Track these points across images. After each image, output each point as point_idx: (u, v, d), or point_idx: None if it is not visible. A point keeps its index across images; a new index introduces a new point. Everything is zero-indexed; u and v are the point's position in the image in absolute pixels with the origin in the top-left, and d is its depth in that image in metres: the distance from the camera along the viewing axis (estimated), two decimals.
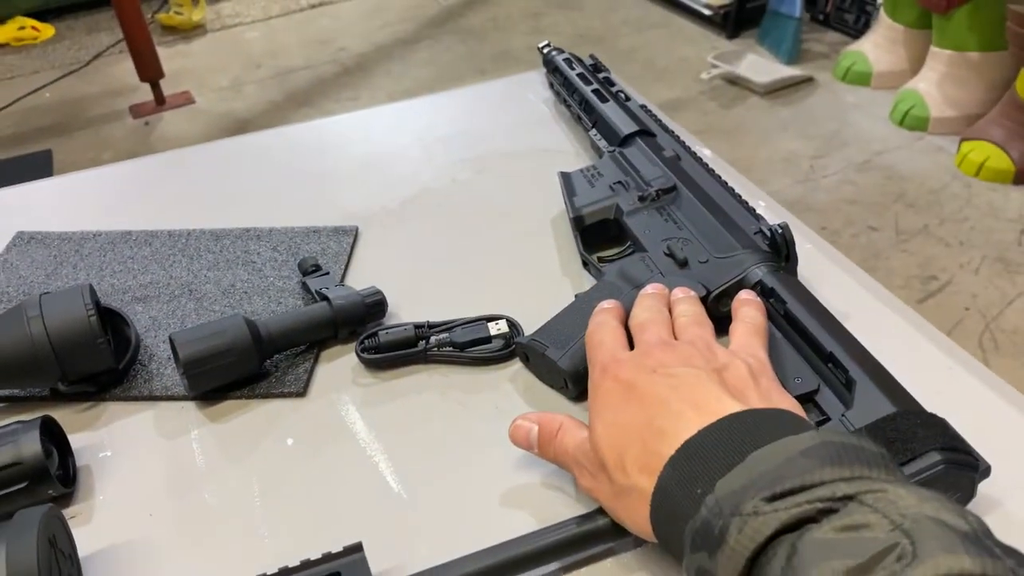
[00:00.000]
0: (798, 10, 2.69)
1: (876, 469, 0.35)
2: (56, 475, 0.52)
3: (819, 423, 0.48)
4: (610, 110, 0.78)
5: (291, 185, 0.83)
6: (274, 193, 0.82)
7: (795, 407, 0.45)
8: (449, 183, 0.81)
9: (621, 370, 0.47)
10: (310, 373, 0.61)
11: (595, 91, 0.82)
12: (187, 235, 0.75)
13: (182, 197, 0.82)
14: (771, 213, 0.70)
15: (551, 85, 0.91)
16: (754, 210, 0.63)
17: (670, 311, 0.54)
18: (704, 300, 0.56)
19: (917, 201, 2.10)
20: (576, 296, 0.61)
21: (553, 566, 0.47)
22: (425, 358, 0.61)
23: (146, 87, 2.82)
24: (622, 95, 0.82)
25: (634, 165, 0.70)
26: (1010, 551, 0.31)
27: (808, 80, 2.65)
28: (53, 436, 0.54)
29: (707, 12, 2.98)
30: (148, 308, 0.67)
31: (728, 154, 2.04)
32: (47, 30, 3.44)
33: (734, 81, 2.65)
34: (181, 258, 0.73)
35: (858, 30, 2.80)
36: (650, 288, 0.56)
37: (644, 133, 0.74)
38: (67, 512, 0.52)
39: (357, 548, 0.44)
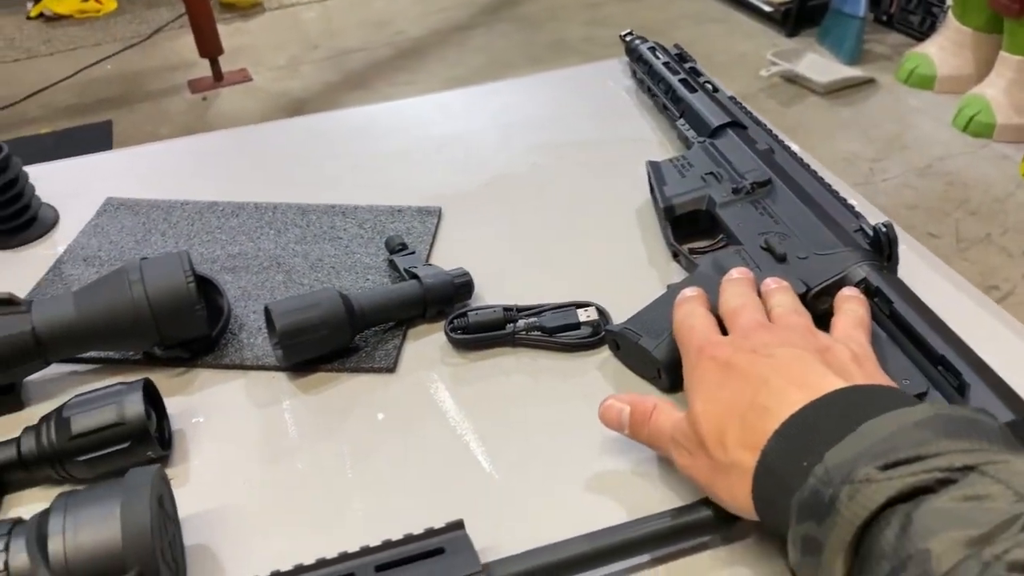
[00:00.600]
0: (862, 9, 2.64)
1: (994, 443, 0.35)
2: (154, 437, 0.52)
3: None
4: (699, 100, 0.77)
5: (370, 165, 0.83)
6: (353, 172, 0.82)
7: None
8: (529, 168, 0.81)
9: (719, 350, 0.47)
10: (399, 350, 0.61)
11: (682, 81, 0.81)
12: (273, 208, 0.76)
13: (261, 172, 0.83)
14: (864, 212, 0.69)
15: (634, 73, 0.90)
16: (853, 207, 0.62)
17: (760, 298, 0.53)
18: (803, 297, 0.55)
19: (980, 209, 2.05)
20: (668, 287, 0.61)
21: (645, 557, 0.46)
22: (513, 341, 0.61)
23: (204, 63, 2.85)
24: (709, 86, 0.81)
25: (726, 157, 0.69)
26: None
27: (869, 81, 2.60)
28: (151, 399, 0.54)
29: (767, 8, 2.94)
30: (237, 278, 0.68)
31: None
32: (109, 3, 3.50)
33: (793, 80, 2.61)
34: (268, 231, 0.73)
35: (923, 32, 2.74)
36: (735, 273, 0.55)
37: (735, 125, 0.73)
38: None
39: (459, 525, 0.44)
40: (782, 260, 0.59)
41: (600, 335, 0.60)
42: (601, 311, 0.61)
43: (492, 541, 0.47)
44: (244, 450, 0.55)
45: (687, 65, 0.84)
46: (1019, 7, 2.15)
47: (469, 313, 0.61)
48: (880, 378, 0.45)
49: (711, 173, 0.68)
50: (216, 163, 0.85)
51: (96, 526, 0.42)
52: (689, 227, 0.67)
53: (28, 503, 0.53)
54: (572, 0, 3.31)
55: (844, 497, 0.34)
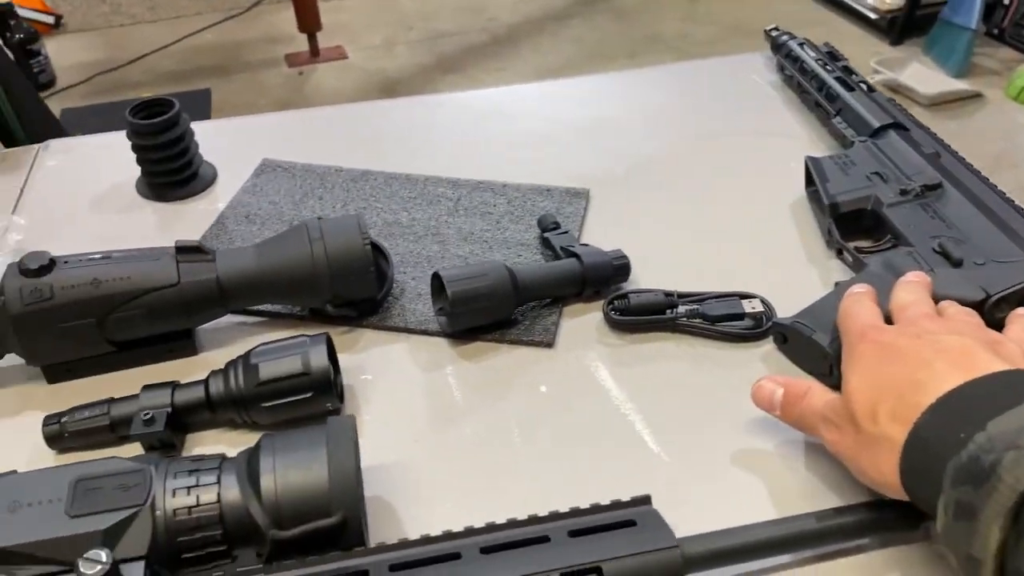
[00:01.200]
0: (975, 21, 2.55)
1: None
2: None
3: None
4: (857, 99, 0.76)
5: (512, 144, 0.84)
6: (495, 151, 0.83)
7: None
8: (675, 155, 0.81)
9: (882, 335, 0.47)
10: (557, 326, 0.62)
11: (838, 79, 0.80)
12: (424, 180, 0.77)
13: (403, 145, 0.84)
14: None
15: (781, 69, 0.89)
16: None
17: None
18: (980, 304, 0.54)
19: None
20: (836, 284, 0.60)
21: (828, 548, 0.46)
22: (673, 326, 0.61)
23: (301, 38, 2.90)
24: (864, 85, 0.79)
25: (891, 158, 0.68)
26: None
27: (976, 96, 2.52)
28: (329, 354, 0.56)
29: (872, 16, 2.87)
30: (395, 245, 0.69)
31: None
32: None
33: (896, 89, 2.54)
34: (420, 202, 0.75)
35: None
36: (911, 276, 0.54)
37: (897, 126, 0.72)
38: None
39: (646, 500, 0.45)
40: (958, 264, 0.58)
41: (765, 327, 0.60)
42: (766, 303, 0.61)
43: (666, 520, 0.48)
44: (412, 410, 0.57)
45: (840, 63, 0.83)
46: None
47: (630, 295, 0.62)
48: None
49: (876, 173, 0.67)
50: (358, 133, 0.87)
51: (304, 468, 0.43)
52: (851, 225, 0.66)
53: (207, 444, 0.55)
54: None
55: (1008, 463, 0.33)
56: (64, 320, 0.55)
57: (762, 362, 0.59)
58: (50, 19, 3.16)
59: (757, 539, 0.44)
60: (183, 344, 0.60)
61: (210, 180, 0.79)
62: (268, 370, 0.52)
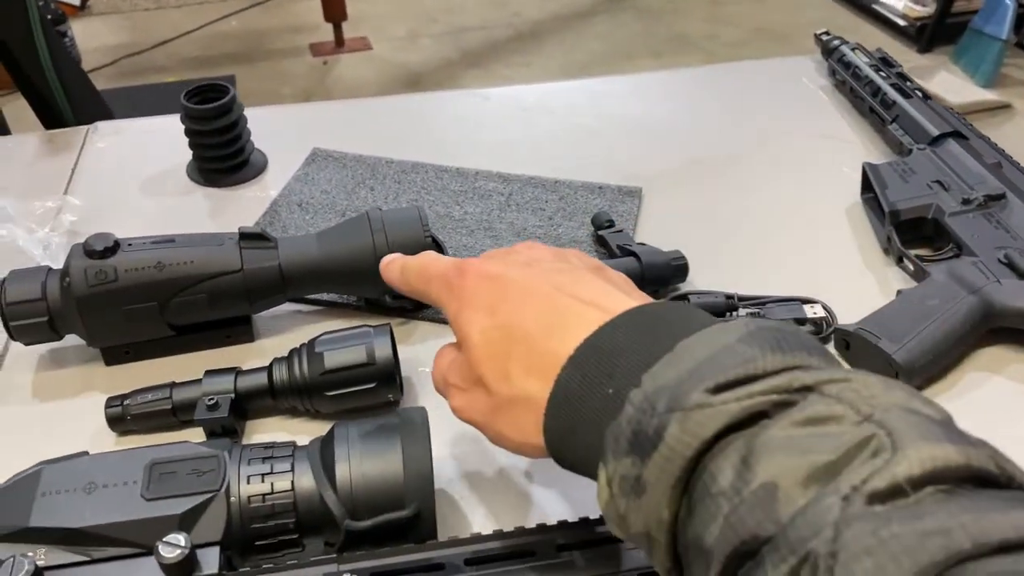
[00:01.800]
0: (1006, 32, 2.54)
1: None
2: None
3: None
4: (915, 107, 0.76)
5: (559, 140, 0.84)
6: (542, 146, 0.82)
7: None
8: (727, 156, 0.80)
9: (486, 264, 0.41)
10: None
11: (893, 85, 0.79)
12: (475, 175, 0.77)
13: (449, 137, 0.84)
14: None
15: (832, 73, 0.89)
16: None
17: None
18: None
19: None
20: (899, 292, 0.60)
21: None
22: None
23: (326, 27, 2.90)
24: (919, 93, 0.79)
25: (951, 167, 0.68)
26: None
27: (1006, 107, 2.50)
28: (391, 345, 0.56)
29: (901, 23, 2.85)
30: (448, 238, 0.69)
31: None
32: None
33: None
34: (472, 196, 0.74)
35: None
36: None
37: (957, 135, 0.72)
38: None
39: None
40: None
41: (826, 333, 0.59)
42: (827, 309, 0.61)
43: None
44: None
45: (894, 70, 0.83)
46: None
47: (691, 296, 0.61)
48: None
49: (937, 181, 0.67)
50: (406, 125, 0.86)
51: (379, 459, 0.43)
52: (910, 233, 0.66)
53: (268, 431, 0.55)
54: None
55: (674, 427, 0.29)
56: (127, 303, 0.55)
57: None
58: (76, 1, 3.17)
59: None
60: (241, 330, 0.60)
61: (261, 167, 0.79)
62: (333, 359, 0.52)
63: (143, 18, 3.23)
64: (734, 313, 0.60)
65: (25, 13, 1.14)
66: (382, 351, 0.53)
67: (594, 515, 0.43)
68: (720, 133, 0.84)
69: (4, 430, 0.55)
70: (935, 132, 0.72)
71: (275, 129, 0.83)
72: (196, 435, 0.52)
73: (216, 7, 3.24)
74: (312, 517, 0.43)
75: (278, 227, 0.71)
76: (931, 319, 0.55)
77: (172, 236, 0.58)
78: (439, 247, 0.65)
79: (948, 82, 2.75)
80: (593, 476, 0.33)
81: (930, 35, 2.77)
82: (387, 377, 0.53)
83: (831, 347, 0.59)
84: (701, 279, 0.65)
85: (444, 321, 0.62)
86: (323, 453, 0.44)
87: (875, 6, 2.96)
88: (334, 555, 0.42)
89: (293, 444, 0.45)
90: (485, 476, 0.52)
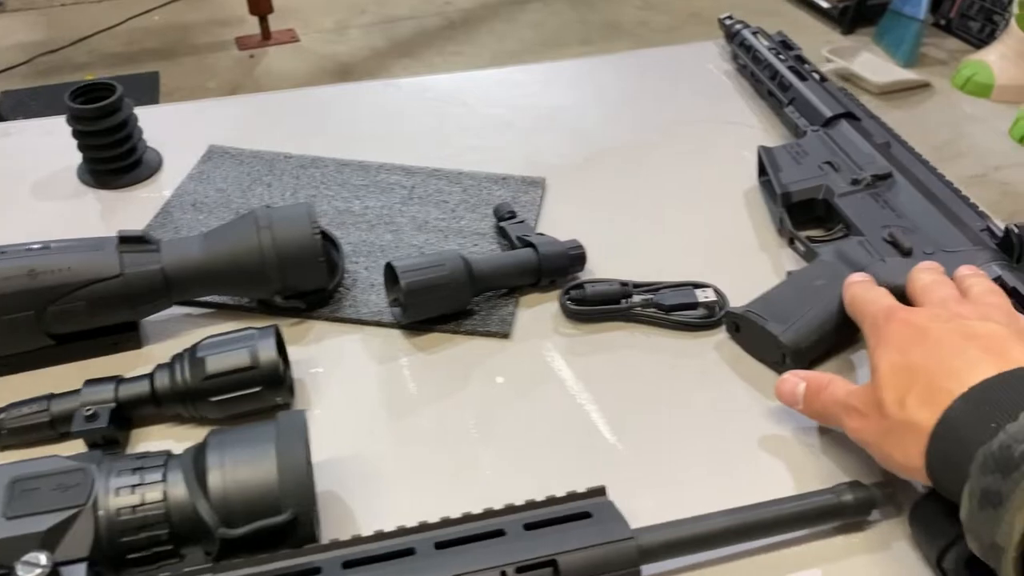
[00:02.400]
0: (923, 12, 2.60)
1: None
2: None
3: None
4: (810, 89, 0.77)
5: (468, 131, 0.83)
6: (451, 137, 0.82)
7: None
8: (633, 145, 0.81)
9: (913, 316, 0.47)
10: (513, 316, 0.62)
11: (791, 68, 0.80)
12: (377, 168, 0.76)
13: (356, 130, 0.83)
14: None
15: (735, 58, 0.90)
16: (977, 206, 0.62)
17: None
18: None
19: None
20: (789, 273, 0.61)
21: (784, 536, 0.46)
22: (628, 316, 0.61)
23: (252, 20, 2.84)
24: (816, 75, 0.80)
25: (843, 148, 0.69)
26: None
27: (925, 85, 2.57)
28: (278, 347, 0.55)
29: (824, 5, 2.91)
30: (346, 234, 0.68)
31: None
32: None
33: (848, 78, 2.58)
34: (373, 190, 0.73)
35: (981, 39, 2.71)
36: (925, 263, 0.54)
37: (849, 116, 0.73)
38: None
39: (601, 491, 0.45)
40: (907, 254, 0.59)
41: (718, 316, 0.60)
42: (719, 292, 0.61)
43: (622, 511, 0.48)
44: (366, 403, 0.56)
45: (792, 53, 0.84)
46: None
47: (586, 285, 0.61)
48: None
49: (828, 162, 0.68)
50: (310, 119, 0.85)
51: (253, 465, 0.42)
52: (803, 215, 0.67)
53: (153, 439, 0.53)
54: None
55: None
56: (0, 312, 0.53)
57: (716, 351, 0.59)
58: None
59: (711, 529, 0.44)
60: (128, 337, 0.59)
61: (155, 167, 0.76)
62: (215, 364, 0.51)
63: (60, 14, 3.12)
64: (629, 300, 0.61)
65: None
66: (266, 354, 0.52)
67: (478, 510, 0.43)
68: (626, 121, 0.84)
69: None
70: (828, 113, 0.73)
71: (172, 127, 0.81)
72: (78, 447, 0.51)
73: (138, 1, 3.15)
74: (186, 527, 0.42)
75: (171, 228, 0.69)
76: (817, 299, 0.56)
77: (48, 242, 0.56)
78: (333, 243, 0.64)
79: (871, 62, 2.81)
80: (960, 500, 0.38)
81: (852, 17, 2.83)
82: (273, 380, 0.52)
83: (723, 331, 0.60)
84: (604, 267, 0.65)
85: (340, 320, 0.61)
86: (196, 461, 0.43)
87: None
88: (209, 565, 0.41)
89: (167, 453, 0.44)
90: (376, 476, 0.51)
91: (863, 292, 0.52)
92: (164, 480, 0.42)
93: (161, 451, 0.44)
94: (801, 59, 0.83)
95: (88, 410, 0.50)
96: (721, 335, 0.60)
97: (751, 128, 0.82)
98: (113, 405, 0.51)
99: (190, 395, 0.51)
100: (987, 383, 0.40)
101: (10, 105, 2.42)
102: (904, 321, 0.47)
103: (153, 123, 0.79)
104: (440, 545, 0.41)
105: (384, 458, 0.52)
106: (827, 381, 0.49)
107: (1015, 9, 2.48)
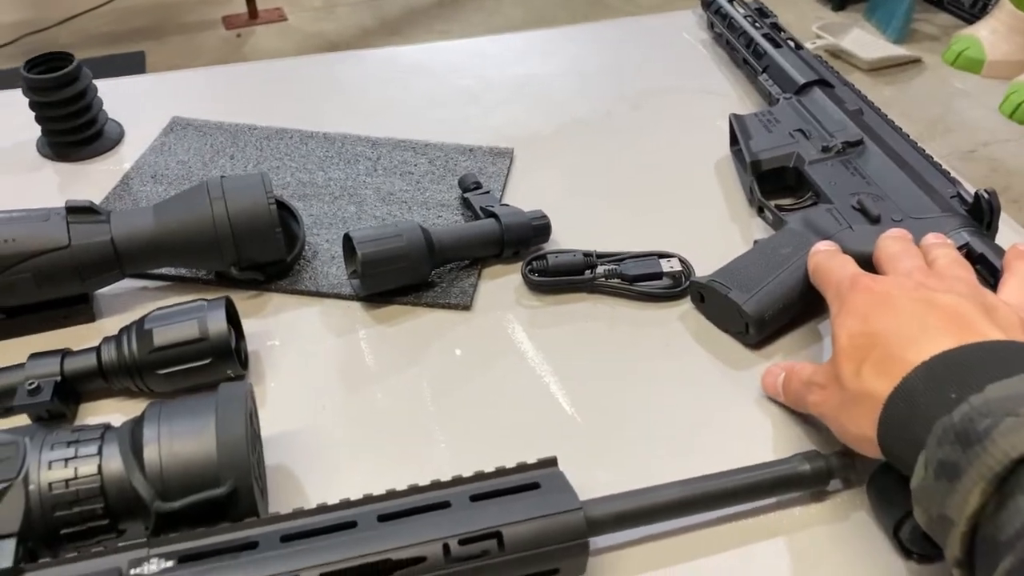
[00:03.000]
0: None
1: None
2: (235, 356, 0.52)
3: None
4: (783, 56, 0.75)
5: (437, 102, 0.81)
6: (419, 108, 0.80)
7: None
8: (604, 115, 0.79)
9: (876, 284, 0.45)
10: (475, 288, 0.60)
11: (765, 35, 0.79)
12: (343, 139, 0.74)
13: (324, 102, 0.81)
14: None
15: (711, 26, 0.88)
16: (948, 173, 0.61)
17: None
18: None
19: (1022, 197, 2.02)
20: (755, 242, 0.59)
21: (738, 508, 0.45)
22: (592, 287, 0.60)
23: (240, 0, 2.81)
24: (792, 43, 0.78)
25: (814, 114, 0.68)
26: None
27: (915, 61, 2.55)
28: (230, 318, 0.53)
29: None
30: (308, 206, 0.67)
31: None
32: None
33: (837, 54, 2.56)
34: (338, 161, 0.72)
35: (973, 14, 2.68)
36: (894, 231, 0.52)
37: (822, 83, 0.71)
38: None
39: (552, 462, 0.44)
40: (876, 221, 0.57)
41: (683, 286, 0.59)
42: (684, 262, 0.60)
43: (576, 482, 0.47)
44: (321, 375, 0.55)
45: (768, 20, 0.82)
46: None
47: (548, 256, 0.60)
48: None
49: (799, 130, 0.67)
50: (277, 91, 0.83)
51: (191, 437, 0.41)
52: (774, 183, 0.65)
53: (103, 413, 0.52)
54: None
55: (1004, 428, 0.32)
56: None
57: (680, 321, 0.58)
58: None
59: (664, 500, 0.43)
60: (79, 310, 0.57)
61: (116, 139, 0.75)
62: (163, 336, 0.50)
63: None
64: (593, 271, 0.59)
65: None
66: (216, 325, 0.50)
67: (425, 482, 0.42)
68: (598, 91, 0.82)
69: None
70: (801, 80, 0.72)
71: (135, 99, 0.80)
72: (22, 422, 0.50)
73: None
74: (122, 501, 0.40)
75: (129, 201, 0.67)
76: (782, 268, 0.55)
77: None
78: (292, 215, 0.62)
79: (861, 39, 2.78)
80: (912, 470, 0.37)
81: None
82: (223, 352, 0.50)
83: (688, 301, 0.59)
84: (570, 238, 0.64)
85: (298, 292, 0.60)
86: (133, 434, 0.42)
87: None
88: (144, 539, 0.40)
89: (105, 426, 0.43)
90: (329, 450, 0.50)
91: (827, 260, 0.51)
92: (99, 454, 0.41)
93: (99, 424, 0.43)
94: (777, 27, 0.81)
95: (31, 384, 0.49)
96: (686, 305, 0.59)
97: (726, 97, 0.80)
98: (58, 379, 0.50)
99: (137, 368, 0.50)
100: (948, 354, 0.38)
101: None
102: (867, 288, 0.45)
103: (115, 95, 0.77)
104: (383, 517, 0.40)
105: (337, 432, 0.51)
106: (801, 366, 0.48)
107: None
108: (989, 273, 0.51)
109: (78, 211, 0.55)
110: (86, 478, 0.40)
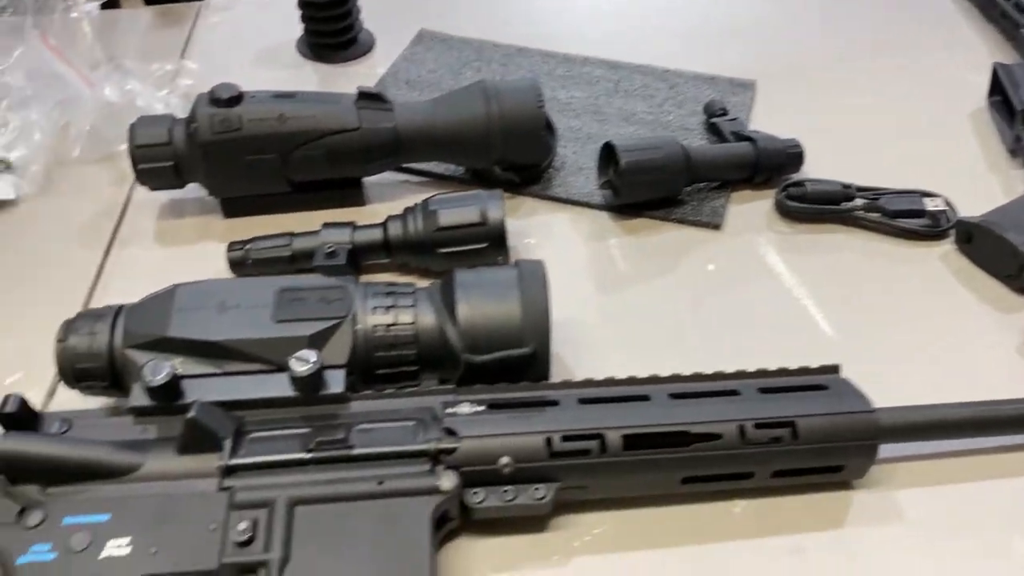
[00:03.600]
0: None
1: None
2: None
3: None
4: None
5: (676, 32, 0.81)
6: (657, 36, 0.80)
7: None
8: (847, 53, 0.77)
9: None
10: (724, 209, 0.61)
11: None
12: (582, 61, 0.76)
13: (559, 25, 0.82)
14: None
15: None
16: None
17: None
18: None
19: None
20: None
21: (1005, 440, 0.45)
22: (848, 219, 0.59)
23: None
24: None
25: None
26: None
27: None
28: None
29: None
30: (555, 120, 0.68)
31: None
32: None
33: None
34: (579, 81, 0.73)
35: None
36: None
37: None
38: None
39: (835, 369, 0.44)
40: None
41: (947, 226, 0.57)
42: (949, 203, 0.58)
43: None
44: (576, 275, 0.57)
45: None
46: None
47: (807, 183, 0.60)
48: None
49: None
50: (513, 10, 0.85)
51: (498, 301, 0.44)
52: None
53: None
54: None
55: None
56: (250, 152, 0.56)
57: (941, 261, 0.57)
58: None
59: (952, 417, 0.43)
60: (353, 194, 0.61)
61: (368, 46, 0.79)
62: (447, 217, 0.53)
63: None
64: (851, 202, 0.59)
65: None
66: (494, 212, 0.53)
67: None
68: (841, 31, 0.80)
69: (127, 269, 0.58)
70: None
71: (382, 10, 0.83)
72: None
73: None
74: (432, 350, 0.44)
75: None
76: None
77: (293, 92, 0.58)
78: (549, 126, 0.64)
79: None
80: None
81: None
82: (498, 238, 0.53)
83: (951, 240, 0.57)
84: (817, 172, 0.63)
85: (550, 198, 0.62)
86: (443, 292, 0.45)
87: None
88: (451, 387, 0.43)
89: (413, 285, 0.46)
90: (591, 340, 0.52)
91: None
92: (414, 306, 0.44)
93: (408, 282, 0.47)
94: None
95: (329, 247, 0.53)
96: (946, 246, 0.57)
97: (974, 49, 0.77)
98: (349, 247, 0.54)
99: (420, 245, 0.53)
100: None
101: None
102: None
103: (366, 4, 0.81)
104: (674, 396, 0.42)
105: (596, 327, 0.53)
106: None
107: None
108: None
109: (368, 97, 0.58)
110: (404, 325, 0.44)
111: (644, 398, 0.42)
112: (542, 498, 0.39)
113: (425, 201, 0.54)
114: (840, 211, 0.59)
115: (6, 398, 0.39)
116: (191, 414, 0.38)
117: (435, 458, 0.39)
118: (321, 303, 0.44)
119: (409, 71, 0.75)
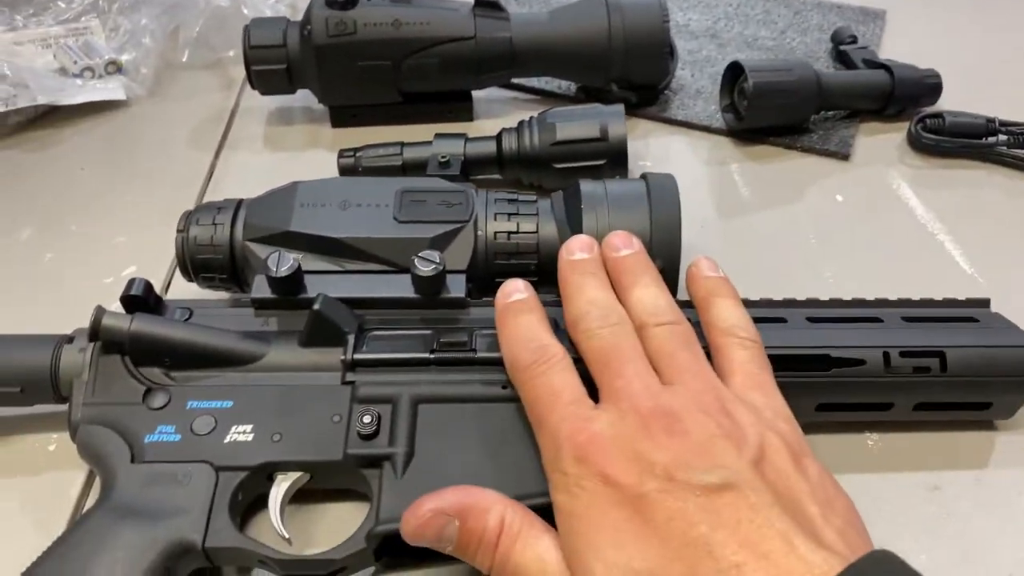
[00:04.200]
0: None
1: None
2: None
3: None
4: None
5: None
6: None
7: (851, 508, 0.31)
8: None
9: (611, 465, 0.30)
10: (854, 139, 0.57)
11: None
12: None
13: None
14: None
15: None
16: None
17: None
18: None
19: None
20: None
21: None
22: (989, 155, 0.55)
23: None
24: None
25: None
26: None
27: None
28: None
29: None
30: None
31: None
32: None
33: None
34: (696, 3, 0.70)
35: None
36: (577, 250, 0.38)
37: None
38: None
39: (985, 302, 0.41)
40: None
41: None
42: None
43: None
44: (697, 200, 0.54)
45: None
46: None
47: (946, 115, 0.56)
48: (834, 495, 0.31)
49: None
50: None
51: (626, 213, 0.42)
52: None
53: None
54: None
55: None
56: (363, 58, 0.55)
57: None
58: None
59: None
60: (462, 107, 0.60)
61: None
62: (565, 131, 0.51)
63: None
64: (995, 137, 0.55)
65: None
66: (616, 128, 0.51)
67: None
68: None
69: (238, 172, 0.57)
70: None
71: None
72: None
73: None
74: (552, 262, 0.42)
75: None
76: None
77: None
78: (670, 46, 0.61)
79: None
80: None
81: None
82: (618, 155, 0.51)
83: None
84: (950, 107, 0.59)
85: (667, 121, 0.60)
86: (567, 204, 0.43)
87: None
88: None
89: (535, 195, 0.45)
90: (722, 257, 0.49)
91: (539, 362, 0.34)
92: (537, 215, 0.43)
93: (533, 193, 0.45)
94: None
95: (443, 157, 0.51)
96: None
97: None
98: (462, 159, 0.52)
99: (536, 160, 0.51)
100: None
101: None
102: (605, 480, 0.30)
103: None
104: (812, 320, 0.40)
105: (716, 252, 0.49)
106: (497, 529, 0.31)
107: None
108: None
109: (485, 5, 0.56)
110: (526, 234, 0.42)
111: (780, 320, 0.40)
112: None
113: (542, 114, 0.52)
114: (981, 146, 0.55)
115: (131, 281, 0.39)
116: (316, 306, 0.37)
117: None
118: (442, 206, 0.42)
119: None
